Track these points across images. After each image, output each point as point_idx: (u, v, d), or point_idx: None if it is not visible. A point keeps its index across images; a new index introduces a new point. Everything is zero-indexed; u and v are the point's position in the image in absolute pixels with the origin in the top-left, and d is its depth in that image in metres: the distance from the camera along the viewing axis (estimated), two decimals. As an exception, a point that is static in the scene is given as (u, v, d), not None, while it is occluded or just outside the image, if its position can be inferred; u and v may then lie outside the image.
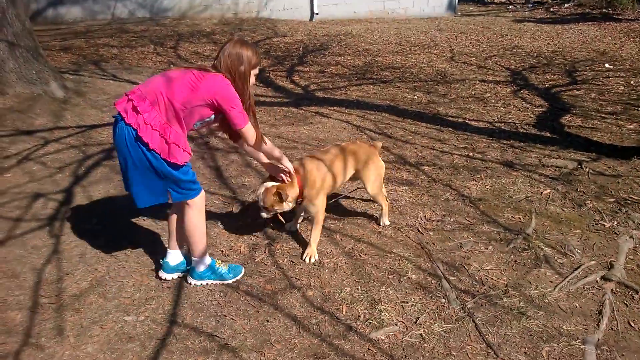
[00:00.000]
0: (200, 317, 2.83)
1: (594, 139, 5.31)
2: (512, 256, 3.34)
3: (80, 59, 8.18)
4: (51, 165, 4.53)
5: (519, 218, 3.78)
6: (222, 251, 3.42)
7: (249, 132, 2.78)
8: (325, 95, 7.05)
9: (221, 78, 2.65)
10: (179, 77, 2.61)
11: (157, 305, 2.91)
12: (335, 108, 6.44)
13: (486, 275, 3.16)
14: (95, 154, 4.83)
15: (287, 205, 3.18)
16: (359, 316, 2.83)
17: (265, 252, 3.41)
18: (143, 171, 2.63)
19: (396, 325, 2.76)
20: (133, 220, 3.77)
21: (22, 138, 4.96)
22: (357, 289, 3.04)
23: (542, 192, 4.16)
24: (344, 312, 2.85)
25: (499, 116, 6.12)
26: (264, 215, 3.23)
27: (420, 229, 3.67)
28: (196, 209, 2.84)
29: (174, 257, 3.09)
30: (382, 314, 2.83)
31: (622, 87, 7.14)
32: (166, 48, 9.45)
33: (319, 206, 3.30)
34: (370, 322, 2.77)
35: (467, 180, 4.39)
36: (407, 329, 2.74)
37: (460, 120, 5.99)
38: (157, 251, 3.39)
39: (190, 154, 2.70)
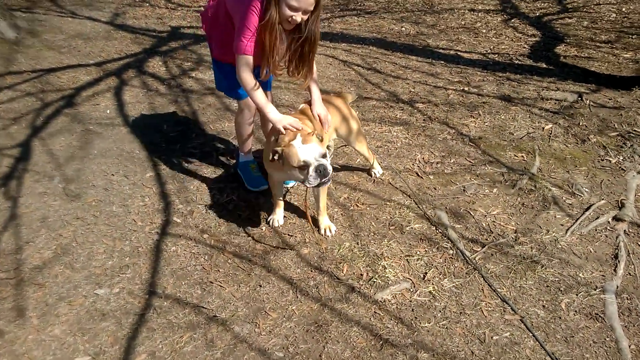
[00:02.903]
0: (184, 285, 2.58)
1: (592, 69, 5.17)
2: (518, 198, 3.17)
3: (32, -5, 7.55)
4: (4, 115, 4.17)
5: (522, 156, 3.61)
6: (205, 205, 3.14)
7: (238, 62, 2.66)
8: (307, 29, 6.63)
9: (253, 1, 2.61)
10: None
11: (133, 274, 2.65)
12: (319, 42, 6.03)
13: (493, 221, 2.98)
14: (54, 101, 4.45)
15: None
16: (361, 275, 2.61)
17: (251, 207, 3.13)
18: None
19: (403, 282, 2.54)
20: (100, 175, 3.45)
21: (-32, 86, 4.55)
22: (357, 244, 2.81)
23: (543, 128, 3.99)
24: (344, 271, 2.63)
25: (491, 47, 5.93)
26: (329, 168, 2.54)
27: (419, 173, 3.41)
28: (238, 110, 3.19)
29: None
30: (386, 270, 2.61)
31: (614, 15, 7.03)
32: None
33: None
34: (374, 281, 2.56)
35: (464, 118, 4.16)
36: (414, 286, 2.53)
37: (451, 52, 5.75)
38: (130, 210, 3.10)
39: (228, 56, 2.84)
